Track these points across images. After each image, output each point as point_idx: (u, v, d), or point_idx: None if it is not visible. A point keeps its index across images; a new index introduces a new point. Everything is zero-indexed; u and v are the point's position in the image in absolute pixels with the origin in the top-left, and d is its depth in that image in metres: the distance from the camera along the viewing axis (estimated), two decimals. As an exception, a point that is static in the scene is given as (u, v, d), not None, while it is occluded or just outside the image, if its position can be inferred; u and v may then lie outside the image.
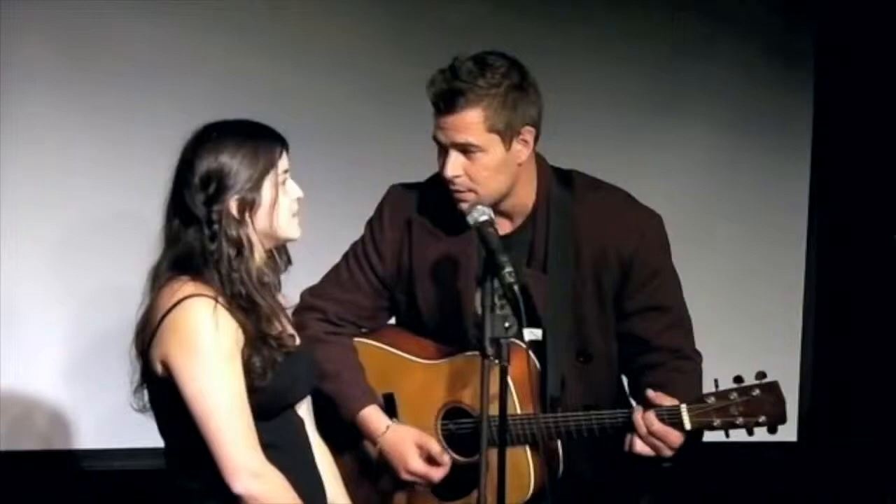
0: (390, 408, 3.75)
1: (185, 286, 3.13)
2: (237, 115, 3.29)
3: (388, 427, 3.67)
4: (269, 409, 3.19)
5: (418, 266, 3.75)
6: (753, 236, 5.70)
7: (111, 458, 4.89)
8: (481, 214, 3.46)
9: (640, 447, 3.49)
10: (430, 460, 3.64)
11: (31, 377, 4.80)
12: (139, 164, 4.82)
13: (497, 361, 3.23)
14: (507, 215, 3.67)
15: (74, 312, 4.84)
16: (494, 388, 3.27)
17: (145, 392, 3.23)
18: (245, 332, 3.13)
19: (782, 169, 5.75)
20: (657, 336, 3.66)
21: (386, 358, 3.78)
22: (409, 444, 3.65)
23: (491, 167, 3.57)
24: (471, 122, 3.54)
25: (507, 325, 3.23)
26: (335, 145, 4.84)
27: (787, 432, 5.69)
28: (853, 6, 5.67)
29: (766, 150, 5.70)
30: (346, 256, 3.84)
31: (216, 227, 3.15)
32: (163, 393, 3.14)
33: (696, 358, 3.68)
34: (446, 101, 3.53)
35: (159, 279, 3.18)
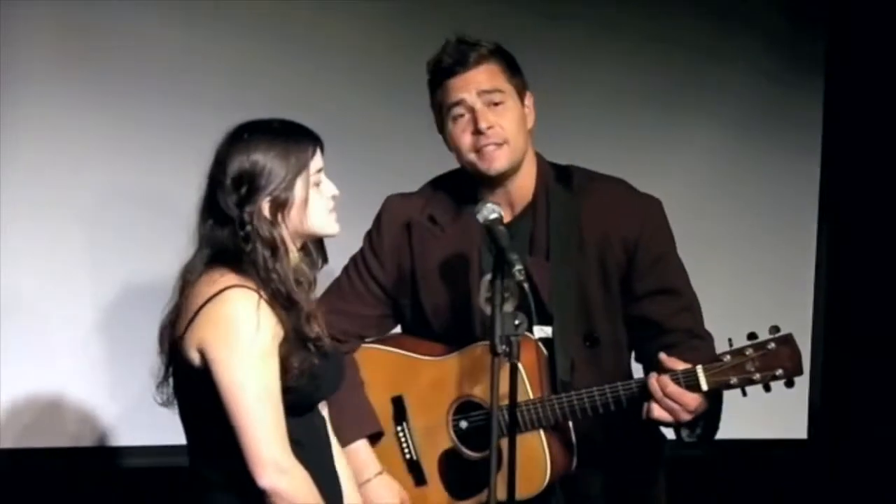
0: (399, 411, 3.74)
1: (227, 276, 3.12)
2: (240, 115, 3.28)
3: (370, 479, 3.66)
4: (298, 407, 3.19)
5: (421, 266, 3.76)
6: (763, 235, 5.69)
7: (138, 456, 4.89)
8: (491, 212, 3.47)
9: (658, 412, 3.46)
10: None
11: (56, 374, 4.80)
12: (145, 159, 4.82)
13: (508, 359, 3.22)
14: (508, 203, 3.67)
15: (96, 310, 4.84)
16: (505, 382, 3.26)
17: (169, 386, 3.23)
18: (284, 329, 3.13)
19: (792, 168, 5.74)
20: (669, 318, 3.66)
21: (393, 360, 3.78)
22: (396, 490, 3.68)
23: (516, 119, 3.65)
24: (493, 71, 3.64)
25: (517, 322, 3.22)
26: (344, 144, 4.82)
27: (798, 430, 5.73)
28: (863, 5, 5.66)
29: (776, 149, 5.69)
30: (346, 268, 3.83)
31: (249, 227, 3.14)
32: (195, 381, 3.13)
33: (708, 338, 3.67)
34: (463, 60, 3.62)
35: (194, 275, 3.17)
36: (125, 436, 4.88)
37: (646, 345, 3.69)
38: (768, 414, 5.39)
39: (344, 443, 3.59)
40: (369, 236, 3.85)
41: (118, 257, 4.84)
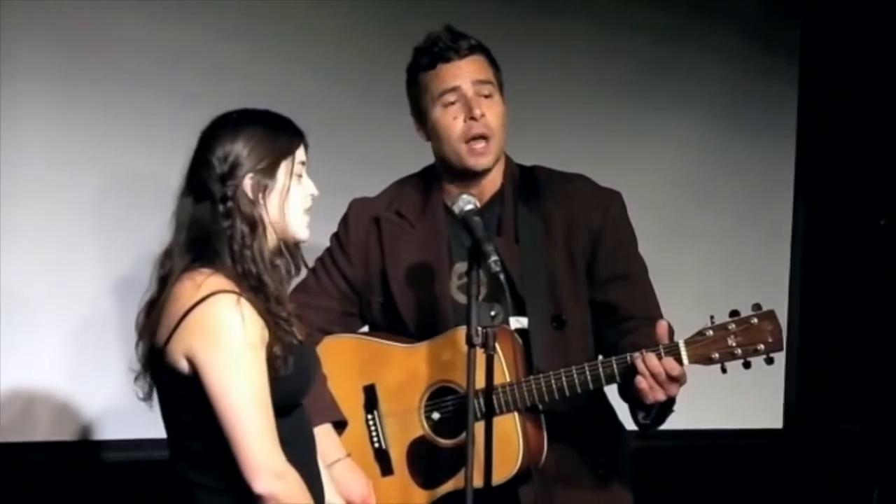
0: (371, 400, 3.74)
1: (210, 279, 3.10)
2: (218, 109, 3.29)
3: (335, 462, 3.64)
4: (286, 404, 3.18)
5: (391, 261, 3.77)
6: (737, 226, 5.72)
7: (119, 450, 4.90)
8: (466, 203, 3.47)
9: (647, 389, 3.44)
10: None
11: (36, 368, 4.80)
12: (143, 159, 4.82)
13: (484, 350, 3.25)
14: (478, 195, 3.66)
15: (79, 304, 4.84)
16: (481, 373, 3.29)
17: (148, 380, 3.22)
18: (267, 325, 3.12)
19: (767, 158, 5.76)
20: (630, 303, 3.69)
21: (366, 348, 3.78)
22: (355, 492, 3.64)
23: (502, 115, 3.70)
24: (482, 63, 3.70)
25: (492, 313, 3.24)
26: (335, 144, 4.83)
27: (773, 420, 5.76)
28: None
29: (751, 139, 5.71)
30: (312, 268, 3.78)
31: (230, 203, 3.14)
32: (182, 388, 3.12)
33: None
34: (456, 48, 3.67)
35: (173, 263, 3.16)
36: (106, 430, 4.88)
37: (606, 330, 3.71)
38: (744, 403, 5.45)
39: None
40: (336, 235, 3.86)
41: (101, 251, 4.84)
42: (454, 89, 3.67)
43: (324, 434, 3.60)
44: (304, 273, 3.42)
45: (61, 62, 4.79)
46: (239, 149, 3.16)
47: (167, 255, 3.20)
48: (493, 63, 3.73)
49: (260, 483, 3.06)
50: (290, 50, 5.08)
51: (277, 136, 3.21)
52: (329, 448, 3.61)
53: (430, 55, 3.69)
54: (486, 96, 3.67)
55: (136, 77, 4.87)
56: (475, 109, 3.64)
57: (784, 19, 5.78)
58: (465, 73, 3.67)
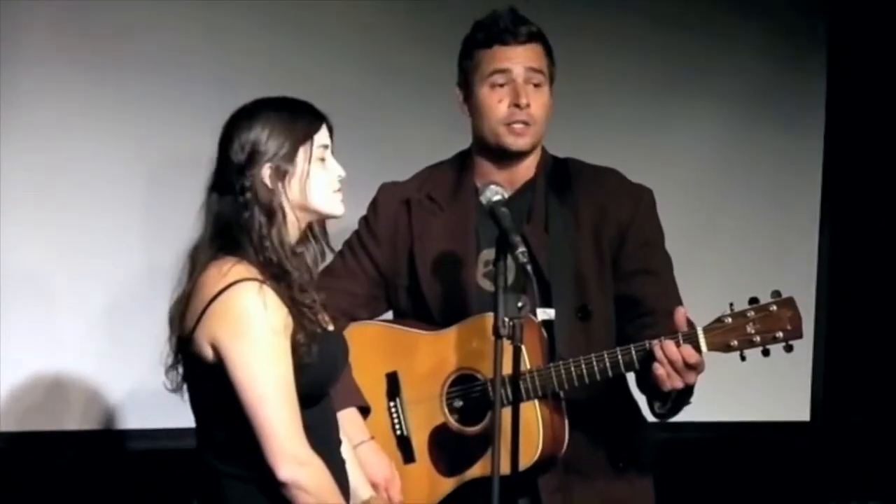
0: (393, 387, 3.74)
1: (235, 268, 3.11)
2: (242, 101, 3.28)
3: (359, 445, 3.63)
4: (312, 393, 3.18)
5: (419, 243, 3.77)
6: (766, 218, 5.69)
7: (143, 439, 4.90)
8: (494, 194, 3.45)
9: (660, 371, 3.43)
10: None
11: (61, 355, 4.81)
12: (168, 149, 4.83)
13: (511, 341, 3.23)
14: (509, 181, 3.69)
15: (103, 292, 4.84)
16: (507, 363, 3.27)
17: (179, 373, 3.22)
18: (291, 312, 3.13)
19: (795, 150, 5.73)
20: (653, 299, 3.67)
21: (387, 335, 3.78)
22: (378, 473, 3.63)
23: (547, 106, 3.71)
24: (539, 52, 3.71)
25: (520, 304, 3.22)
26: (350, 131, 4.81)
27: (800, 412, 5.74)
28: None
29: (779, 132, 5.68)
30: (339, 251, 3.79)
31: (248, 194, 3.14)
32: (208, 376, 3.13)
33: (691, 325, 3.66)
34: (516, 32, 3.67)
35: (201, 255, 3.17)
36: (131, 419, 4.89)
37: (627, 324, 3.70)
38: (770, 396, 5.44)
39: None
40: (365, 219, 3.86)
41: (124, 237, 4.84)
42: (505, 71, 3.67)
43: (348, 417, 3.61)
44: (330, 257, 3.42)
45: (85, 48, 4.80)
46: (255, 137, 3.16)
47: (195, 250, 3.20)
48: (549, 54, 3.73)
49: (284, 470, 3.07)
50: (320, 39, 5.08)
51: (295, 120, 3.20)
52: (354, 431, 3.61)
53: (488, 33, 3.70)
54: (536, 85, 3.68)
55: (164, 67, 4.88)
56: (522, 98, 3.65)
57: (812, 11, 5.75)
58: (519, 58, 3.67)
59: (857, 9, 5.69)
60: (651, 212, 3.76)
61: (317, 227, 3.29)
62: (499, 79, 3.67)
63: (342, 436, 3.37)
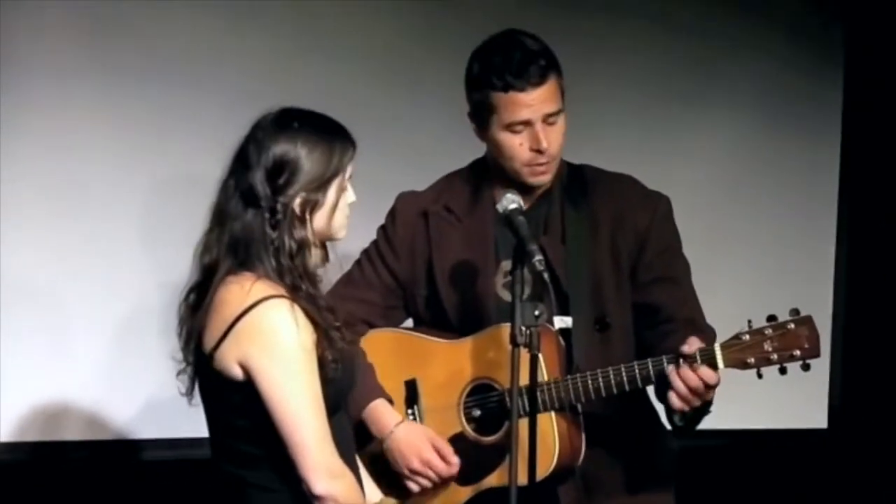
0: (412, 394, 3.74)
1: (257, 285, 3.10)
2: (256, 111, 3.25)
3: (399, 423, 3.66)
4: (334, 405, 3.19)
5: (438, 255, 3.76)
6: (782, 226, 5.69)
7: (166, 448, 4.90)
8: (510, 202, 3.46)
9: (676, 402, 3.43)
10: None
11: (76, 368, 4.81)
12: (185, 160, 4.82)
13: (528, 350, 3.23)
14: (527, 193, 3.66)
15: (115, 300, 4.84)
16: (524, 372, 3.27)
17: (190, 374, 3.23)
18: (317, 329, 3.13)
19: (812, 158, 5.73)
20: (673, 306, 3.66)
21: (406, 342, 3.77)
22: (423, 439, 3.64)
23: (563, 132, 3.66)
24: (555, 89, 3.62)
25: (536, 313, 3.22)
26: (380, 143, 4.81)
27: (818, 420, 5.72)
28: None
29: (795, 139, 5.68)
30: (357, 261, 3.82)
31: (279, 217, 3.12)
32: (236, 392, 3.13)
33: (710, 332, 3.63)
34: (532, 76, 3.57)
35: (215, 257, 3.16)
36: (145, 429, 4.88)
37: (647, 332, 3.68)
38: (788, 404, 5.42)
39: (359, 410, 3.60)
40: (383, 228, 3.85)
41: (141, 249, 4.85)
42: (525, 122, 3.61)
43: (379, 406, 3.65)
44: (347, 267, 3.42)
45: (107, 60, 4.80)
46: (297, 162, 3.13)
47: (207, 245, 3.19)
48: (560, 76, 3.64)
49: (320, 484, 3.09)
50: (337, 50, 5.08)
51: (333, 146, 3.17)
52: (388, 416, 3.65)
53: (501, 78, 3.59)
54: (553, 123, 3.62)
55: (182, 78, 4.88)
56: (542, 142, 3.60)
57: (828, 17, 5.74)
58: (536, 107, 3.59)
59: (875, 15, 5.68)
60: (668, 219, 3.75)
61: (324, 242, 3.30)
62: (518, 127, 3.61)
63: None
